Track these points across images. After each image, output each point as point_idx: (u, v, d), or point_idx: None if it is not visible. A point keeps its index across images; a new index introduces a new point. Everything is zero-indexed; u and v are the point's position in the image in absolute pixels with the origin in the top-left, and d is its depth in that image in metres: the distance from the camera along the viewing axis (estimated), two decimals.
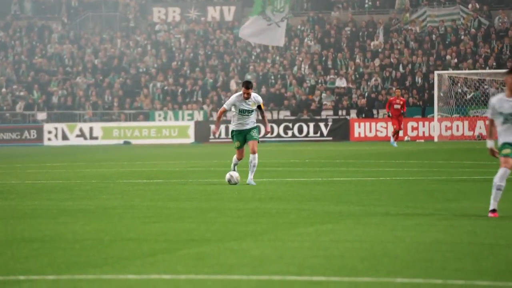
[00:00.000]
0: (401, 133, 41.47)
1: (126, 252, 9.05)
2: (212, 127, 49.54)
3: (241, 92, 17.59)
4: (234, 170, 17.84)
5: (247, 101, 17.43)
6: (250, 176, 17.60)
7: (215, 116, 51.62)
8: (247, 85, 17.50)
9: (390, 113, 38.64)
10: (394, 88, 49.74)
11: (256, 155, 17.51)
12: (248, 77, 52.58)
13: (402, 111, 38.69)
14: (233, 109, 17.70)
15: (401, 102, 38.89)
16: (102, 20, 58.83)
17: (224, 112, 17.92)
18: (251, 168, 17.58)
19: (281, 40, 47.73)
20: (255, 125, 17.71)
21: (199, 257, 8.69)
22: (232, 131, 17.94)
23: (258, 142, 17.66)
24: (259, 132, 18.24)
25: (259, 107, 17.61)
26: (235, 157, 17.97)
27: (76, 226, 11.36)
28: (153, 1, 58.65)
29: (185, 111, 51.67)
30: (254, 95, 17.62)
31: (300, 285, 7.26)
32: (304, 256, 8.62)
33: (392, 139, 38.86)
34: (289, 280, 7.43)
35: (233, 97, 17.67)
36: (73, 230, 10.92)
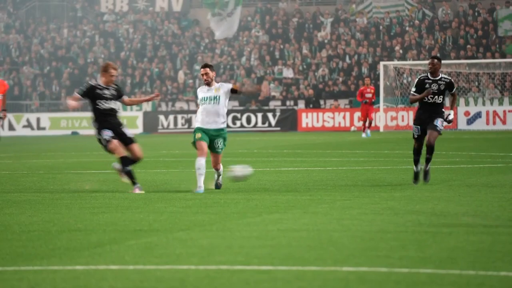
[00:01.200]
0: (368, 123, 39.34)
1: (73, 243, 9.04)
2: (161, 117, 49.40)
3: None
4: (200, 180, 14.54)
5: (208, 88, 15.20)
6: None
7: (163, 106, 51.55)
8: (205, 64, 15.37)
9: (366, 100, 37.97)
10: (338, 78, 50.08)
11: (220, 169, 15.01)
12: (197, 67, 52.51)
13: (372, 100, 38.62)
14: (199, 103, 15.35)
15: (372, 91, 38.49)
16: (49, 9, 58.22)
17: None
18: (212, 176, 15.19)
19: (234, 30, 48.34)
20: (224, 127, 15.02)
21: (147, 247, 8.73)
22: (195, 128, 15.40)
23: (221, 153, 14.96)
24: (225, 140, 15.07)
25: (233, 91, 15.19)
26: (197, 159, 14.72)
27: (22, 217, 11.31)
28: None
29: None
30: (220, 83, 15.38)
31: (248, 274, 7.33)
32: (252, 246, 8.70)
33: (367, 131, 38.07)
34: (237, 269, 7.51)
35: (198, 90, 15.56)
36: (19, 221, 10.87)
